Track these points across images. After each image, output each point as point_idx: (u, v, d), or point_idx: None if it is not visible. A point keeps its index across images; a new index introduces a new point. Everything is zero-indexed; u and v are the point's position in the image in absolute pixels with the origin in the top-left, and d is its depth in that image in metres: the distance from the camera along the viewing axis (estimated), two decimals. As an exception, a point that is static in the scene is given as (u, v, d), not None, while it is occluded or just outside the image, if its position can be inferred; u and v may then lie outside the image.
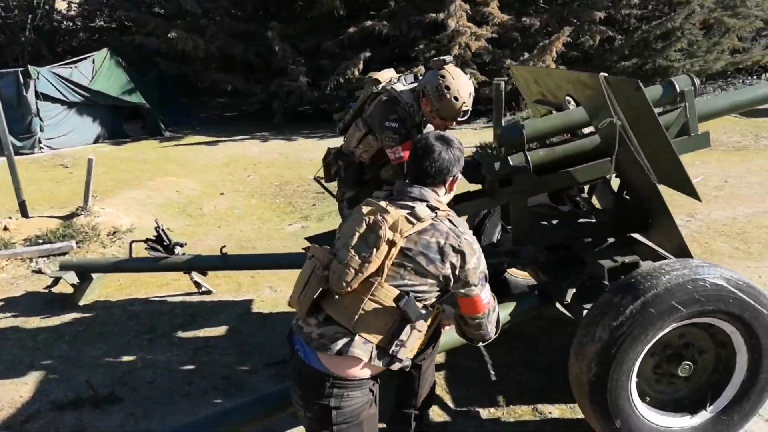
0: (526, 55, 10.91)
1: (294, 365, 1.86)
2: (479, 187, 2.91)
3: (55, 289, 4.00)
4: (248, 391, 2.90)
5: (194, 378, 3.04)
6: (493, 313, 1.89)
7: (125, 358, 3.26)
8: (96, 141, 11.27)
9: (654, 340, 2.09)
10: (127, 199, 5.96)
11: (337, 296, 1.73)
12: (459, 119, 2.65)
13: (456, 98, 2.57)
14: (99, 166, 8.83)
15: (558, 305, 2.75)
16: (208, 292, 4.09)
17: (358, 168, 3.03)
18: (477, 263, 1.75)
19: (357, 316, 1.70)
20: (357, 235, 1.71)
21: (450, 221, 1.76)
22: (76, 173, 8.18)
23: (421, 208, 1.73)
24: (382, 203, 1.76)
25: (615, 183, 2.92)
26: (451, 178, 1.84)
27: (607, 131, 2.34)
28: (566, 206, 3.14)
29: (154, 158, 9.16)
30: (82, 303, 3.97)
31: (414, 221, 1.70)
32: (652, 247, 2.66)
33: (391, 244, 1.67)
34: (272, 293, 4.05)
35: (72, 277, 3.91)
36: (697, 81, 2.59)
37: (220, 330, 3.57)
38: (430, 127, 2.78)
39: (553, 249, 2.82)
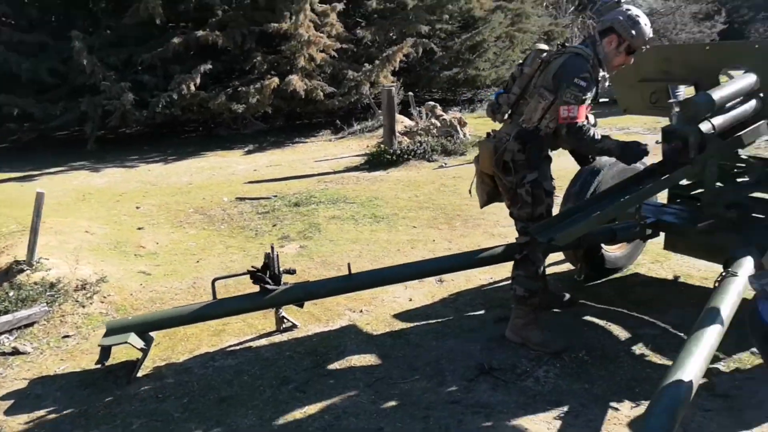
0: (367, 65, 11.31)
1: None
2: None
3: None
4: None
5: (426, 411, 2.60)
6: None
7: (294, 418, 2.60)
8: None
9: None
10: (46, 248, 4.51)
11: None
12: (645, 47, 2.92)
13: (646, 24, 2.85)
14: None
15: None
16: (293, 327, 3.45)
17: (541, 145, 2.98)
18: None
19: None
20: None
21: None
22: None
23: None
24: None
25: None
26: None
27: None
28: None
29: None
30: (140, 374, 2.98)
31: None
32: None
33: None
34: (362, 315, 3.59)
35: (136, 339, 2.91)
36: None
37: (366, 359, 3.06)
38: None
39: (731, 207, 3.16)
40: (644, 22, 2.85)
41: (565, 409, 2.57)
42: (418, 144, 7.97)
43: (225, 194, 6.84)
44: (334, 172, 7.87)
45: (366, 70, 11.16)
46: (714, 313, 2.44)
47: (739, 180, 3.37)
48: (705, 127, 2.91)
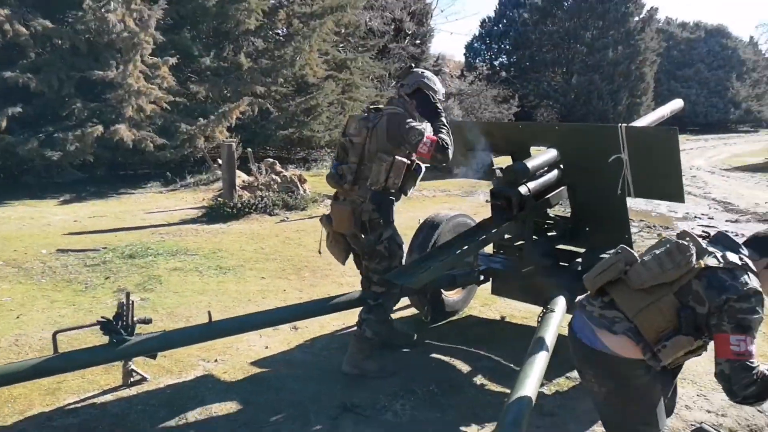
0: (201, 120, 11.15)
1: (580, 351, 2.21)
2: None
3: None
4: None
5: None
6: (744, 374, 1.85)
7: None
8: None
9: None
10: None
11: (629, 289, 2.07)
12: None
13: (438, 80, 3.42)
14: None
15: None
16: (142, 381, 3.25)
17: (392, 204, 3.29)
18: (739, 308, 1.88)
19: (640, 311, 2.02)
20: (666, 249, 2.04)
21: (750, 276, 1.94)
22: None
23: (729, 254, 1.99)
24: (699, 239, 2.08)
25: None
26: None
27: (613, 163, 3.45)
28: None
29: None
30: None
31: (721, 260, 1.97)
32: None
33: (692, 268, 1.98)
34: (217, 365, 3.52)
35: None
36: None
37: (227, 407, 3.01)
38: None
39: (545, 256, 3.74)
40: (437, 78, 3.40)
41: (423, 436, 2.81)
42: (260, 198, 8.03)
43: (42, 246, 6.17)
44: (169, 224, 7.54)
45: (201, 124, 11.00)
46: (541, 342, 2.89)
47: (549, 234, 4.04)
48: (523, 190, 3.49)
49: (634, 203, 8.53)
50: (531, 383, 2.54)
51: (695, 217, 8.75)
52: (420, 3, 21.29)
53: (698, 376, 3.41)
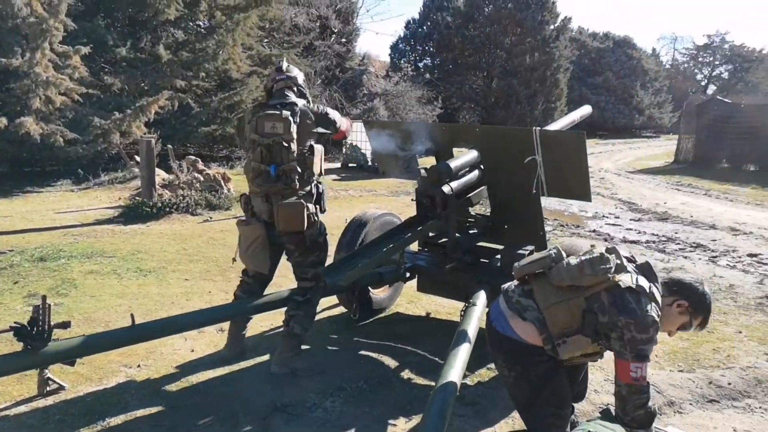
0: (117, 114, 10.64)
1: (493, 338, 2.44)
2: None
3: None
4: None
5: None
6: (637, 396, 2.12)
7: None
8: None
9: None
10: None
11: (549, 284, 2.30)
12: None
13: None
14: None
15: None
16: (60, 390, 3.10)
17: (324, 193, 3.36)
18: (640, 339, 2.11)
19: (551, 305, 2.26)
20: (590, 257, 2.26)
21: (655, 307, 2.18)
22: None
23: (642, 280, 2.23)
24: (625, 259, 2.30)
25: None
26: (675, 303, 2.27)
27: (529, 164, 3.64)
28: None
29: None
30: None
31: (633, 282, 2.19)
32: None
33: (607, 279, 2.20)
34: (140, 370, 3.42)
35: None
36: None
37: (152, 411, 2.93)
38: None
39: (467, 252, 3.90)
40: None
41: (352, 431, 2.87)
42: (181, 197, 7.79)
43: (-61, 249, 5.71)
44: (83, 225, 7.17)
45: (116, 118, 10.48)
46: (463, 334, 3.04)
47: (470, 231, 4.22)
48: (446, 189, 3.64)
49: (548, 203, 9.00)
50: (454, 375, 2.67)
51: (603, 216, 9.35)
52: (345, 1, 21.31)
53: (606, 363, 3.67)
